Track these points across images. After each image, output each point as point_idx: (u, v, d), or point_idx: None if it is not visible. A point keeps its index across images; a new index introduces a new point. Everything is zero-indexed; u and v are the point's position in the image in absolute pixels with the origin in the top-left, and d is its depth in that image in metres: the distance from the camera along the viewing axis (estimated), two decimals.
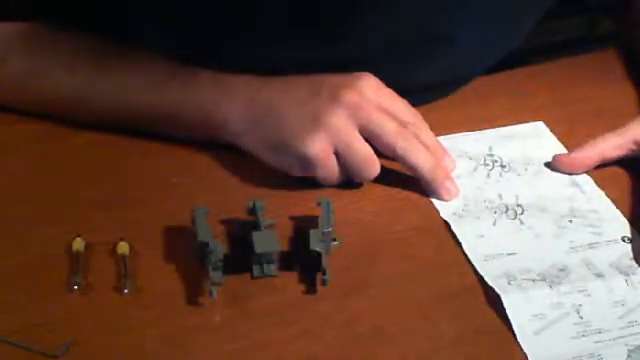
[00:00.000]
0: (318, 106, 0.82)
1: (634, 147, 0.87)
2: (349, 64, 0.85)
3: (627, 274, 0.76)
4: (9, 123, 0.90)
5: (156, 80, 0.87)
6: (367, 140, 0.82)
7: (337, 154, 0.82)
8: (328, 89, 0.83)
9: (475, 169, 0.88)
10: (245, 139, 0.85)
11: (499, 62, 0.97)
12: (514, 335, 0.71)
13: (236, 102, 0.85)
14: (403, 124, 0.83)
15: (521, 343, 0.71)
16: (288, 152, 0.82)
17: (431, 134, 0.86)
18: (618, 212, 0.83)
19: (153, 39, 0.88)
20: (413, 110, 0.86)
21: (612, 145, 0.87)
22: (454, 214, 0.82)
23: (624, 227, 0.81)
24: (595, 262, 0.77)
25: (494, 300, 0.74)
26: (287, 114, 0.83)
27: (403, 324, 0.72)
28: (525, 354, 0.70)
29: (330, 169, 0.82)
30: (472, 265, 0.77)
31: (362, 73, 0.84)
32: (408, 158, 0.83)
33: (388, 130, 0.82)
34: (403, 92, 0.86)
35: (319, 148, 0.81)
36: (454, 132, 0.91)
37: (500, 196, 0.84)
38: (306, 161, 0.82)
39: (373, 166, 0.83)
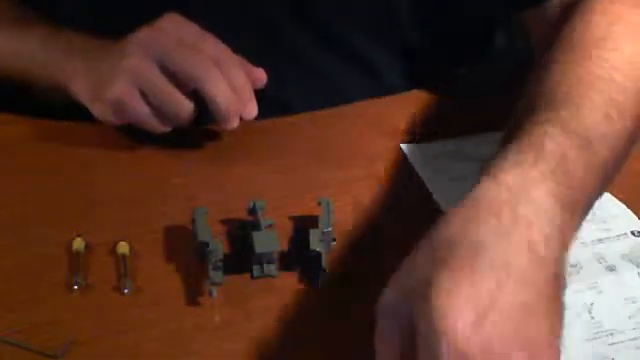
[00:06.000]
0: (120, 51, 0.83)
1: None
2: None
3: (639, 266, 0.76)
4: (9, 123, 0.90)
5: (20, 33, 0.89)
6: (173, 79, 0.81)
7: (143, 94, 0.82)
8: (133, 35, 0.83)
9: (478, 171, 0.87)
10: (83, 98, 0.86)
11: (498, 62, 0.97)
12: None
13: (75, 62, 0.86)
14: (213, 59, 0.82)
15: None
16: (102, 101, 0.83)
17: (242, 74, 0.83)
18: (624, 207, 0.82)
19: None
20: (223, 46, 0.83)
21: None
22: None
23: (633, 221, 0.81)
24: (606, 255, 0.77)
25: None
26: (102, 65, 0.84)
27: None
28: None
29: (138, 110, 0.82)
30: None
31: (169, 13, 0.84)
32: (206, 87, 0.81)
33: (185, 60, 0.81)
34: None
35: (120, 90, 0.81)
36: (457, 135, 0.91)
37: None
38: (114, 105, 0.82)
39: (180, 103, 0.82)
